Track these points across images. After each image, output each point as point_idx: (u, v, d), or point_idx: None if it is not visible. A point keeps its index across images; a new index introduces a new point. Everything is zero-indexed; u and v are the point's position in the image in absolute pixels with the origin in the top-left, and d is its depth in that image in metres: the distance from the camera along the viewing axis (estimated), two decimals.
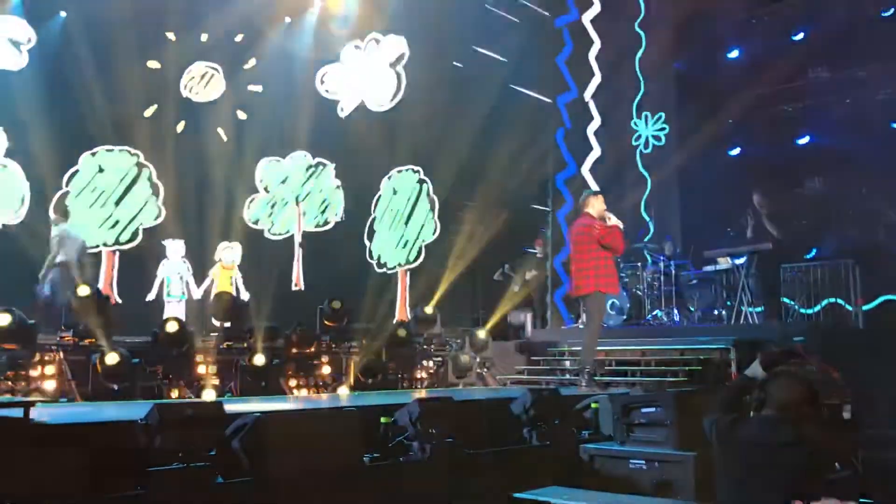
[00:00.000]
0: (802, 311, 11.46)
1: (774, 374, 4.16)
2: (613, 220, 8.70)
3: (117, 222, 11.72)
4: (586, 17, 14.92)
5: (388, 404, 6.21)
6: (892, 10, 13.45)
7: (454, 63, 14.02)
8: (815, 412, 3.81)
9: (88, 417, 5.68)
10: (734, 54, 15.31)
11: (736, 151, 15.29)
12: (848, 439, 4.11)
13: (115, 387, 7.96)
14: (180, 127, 12.28)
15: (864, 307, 11.31)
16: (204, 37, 12.51)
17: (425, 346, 10.86)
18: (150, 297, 11.65)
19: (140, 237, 11.84)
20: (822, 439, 3.68)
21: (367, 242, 13.99)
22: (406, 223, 14.36)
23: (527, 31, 14.58)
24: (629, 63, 15.50)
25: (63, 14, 11.39)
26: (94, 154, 11.62)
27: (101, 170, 11.68)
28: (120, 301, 11.33)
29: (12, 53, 10.91)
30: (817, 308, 11.36)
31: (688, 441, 5.87)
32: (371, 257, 13.98)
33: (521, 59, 14.44)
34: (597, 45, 14.97)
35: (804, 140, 14.45)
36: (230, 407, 5.36)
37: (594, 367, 9.15)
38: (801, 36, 14.45)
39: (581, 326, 12.56)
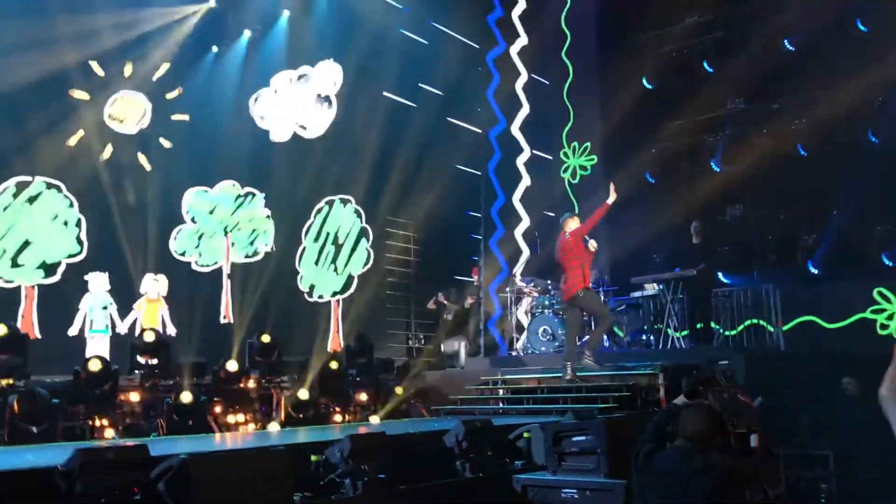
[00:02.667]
0: (726, 333, 11.82)
1: (686, 405, 4.34)
2: (591, 242, 9.61)
3: (37, 256, 11.33)
4: (513, 49, 15.20)
5: (318, 441, 6.14)
6: (802, 45, 14.10)
7: (385, 94, 14.09)
8: (724, 441, 3.98)
9: (4, 465, 5.43)
10: (656, 86, 15.78)
11: (659, 180, 15.71)
12: (758, 466, 4.27)
13: (35, 429, 7.64)
14: (104, 157, 12.00)
15: (784, 328, 11.74)
16: (129, 65, 12.31)
17: (358, 378, 10.76)
18: (73, 331, 11.28)
19: (61, 271, 11.47)
20: (732, 467, 3.83)
21: (298, 272, 13.85)
22: (338, 252, 14.29)
23: (459, 64, 14.77)
24: (557, 94, 15.85)
25: None
26: (12, 185, 11.24)
27: (20, 201, 11.30)
28: (40, 337, 10.92)
29: None
30: (740, 328, 11.75)
31: (618, 469, 5.94)
32: (302, 288, 13.84)
33: (453, 91, 14.63)
34: (524, 76, 15.26)
35: (723, 169, 14.95)
36: (156, 448, 5.21)
37: (596, 357, 9.81)
38: (718, 69, 15.01)
39: (514, 354, 12.71)
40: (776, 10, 14.08)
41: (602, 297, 12.51)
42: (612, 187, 9.71)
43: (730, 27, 14.91)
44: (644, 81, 15.80)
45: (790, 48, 14.32)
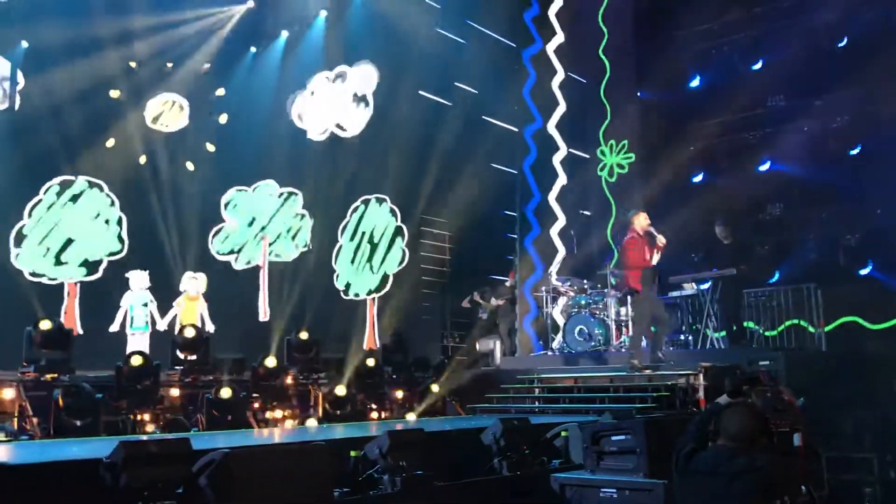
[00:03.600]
0: (766, 334, 11.63)
1: (728, 404, 4.27)
2: (659, 238, 10.07)
3: (80, 253, 11.54)
4: (550, 47, 15.11)
5: (357, 437, 6.16)
6: (845, 41, 13.83)
7: (421, 93, 14.11)
8: (767, 441, 3.89)
9: (50, 456, 5.54)
10: (695, 83, 15.59)
11: (699, 178, 15.53)
12: (801, 466, 4.18)
13: (78, 423, 7.78)
14: (144, 157, 12.18)
15: (826, 328, 11.52)
16: (169, 67, 12.48)
17: (394, 376, 10.79)
18: (114, 328, 11.47)
19: (103, 268, 11.66)
20: (776, 468, 3.76)
21: (335, 271, 13.92)
22: (374, 251, 14.34)
23: (494, 63, 14.74)
24: (594, 92, 15.71)
25: (25, 44, 11.26)
26: (56, 184, 11.46)
27: (63, 200, 11.51)
28: (82, 333, 11.12)
29: None
30: (780, 329, 11.55)
31: (658, 469, 5.88)
32: (339, 286, 13.91)
33: (488, 89, 14.59)
34: (560, 74, 15.16)
35: (764, 167, 14.72)
36: (197, 443, 5.27)
37: (640, 361, 9.96)
38: (759, 65, 14.78)
39: (549, 353, 12.66)
40: (818, 5, 13.82)
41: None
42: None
43: (770, 23, 14.66)
44: (683, 78, 15.61)
45: (832, 44, 14.03)
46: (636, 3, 15.63)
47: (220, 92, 12.97)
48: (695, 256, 12.79)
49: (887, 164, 12.65)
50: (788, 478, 4.07)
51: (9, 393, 7.90)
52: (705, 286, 11.64)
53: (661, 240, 10.04)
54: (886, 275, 12.86)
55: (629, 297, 10.72)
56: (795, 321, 11.51)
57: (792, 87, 14.38)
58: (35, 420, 7.80)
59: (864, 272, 13.28)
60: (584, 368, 10.88)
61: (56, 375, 8.19)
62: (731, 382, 4.80)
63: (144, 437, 7.43)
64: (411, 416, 10.15)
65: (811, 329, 11.44)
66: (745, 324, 11.41)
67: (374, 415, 10.21)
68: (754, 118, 14.92)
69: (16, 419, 7.77)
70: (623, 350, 11.55)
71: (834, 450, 8.61)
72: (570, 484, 6.43)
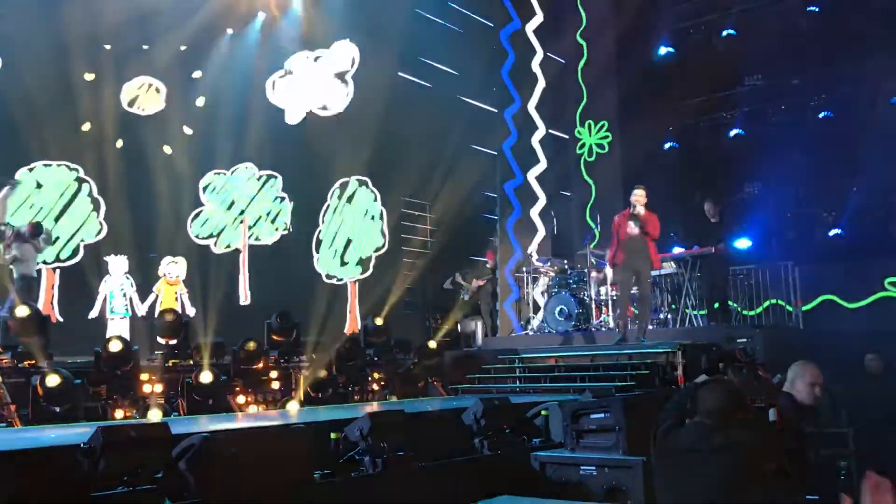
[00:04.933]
0: (745, 312, 11.74)
1: (704, 381, 4.30)
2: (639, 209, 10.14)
3: (57, 239, 11.41)
4: (529, 27, 15.07)
5: (338, 419, 6.17)
6: (820, 19, 13.88)
7: (400, 74, 14.03)
8: (743, 417, 3.93)
9: (28, 443, 5.51)
10: (673, 62, 15.62)
11: (676, 156, 15.60)
12: (778, 441, 4.22)
13: (57, 409, 7.73)
14: (121, 141, 12.04)
15: (804, 307, 11.65)
16: (145, 49, 12.32)
17: (376, 358, 10.79)
18: (93, 314, 11.40)
19: (81, 253, 11.56)
20: (752, 443, 3.79)
21: (315, 254, 13.88)
22: (355, 234, 14.30)
23: (473, 43, 14.67)
24: (572, 72, 15.71)
25: None
26: (31, 169, 11.32)
27: (38, 185, 11.37)
28: (61, 319, 11.04)
29: None
30: (759, 310, 11.66)
31: (637, 446, 5.93)
32: (319, 269, 13.87)
33: (467, 70, 14.54)
34: (539, 54, 15.14)
35: (742, 146, 14.81)
36: (177, 427, 5.26)
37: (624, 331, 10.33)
38: (736, 45, 14.83)
39: (530, 333, 12.72)
40: None
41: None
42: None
43: (748, 2, 14.71)
44: (661, 57, 15.65)
45: (810, 24, 14.10)
46: None
47: (197, 74, 12.83)
48: (673, 235, 12.87)
49: (864, 143, 12.78)
50: (765, 452, 4.12)
51: None
52: (677, 267, 11.75)
53: (638, 210, 10.07)
54: (862, 252, 13.02)
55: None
56: (774, 301, 11.65)
57: (769, 66, 14.47)
58: (13, 407, 7.73)
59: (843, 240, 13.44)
60: (564, 348, 10.95)
61: (34, 362, 8.11)
62: (707, 359, 4.85)
63: (123, 422, 7.39)
64: (393, 398, 10.17)
65: (789, 308, 11.58)
66: (729, 302, 11.50)
67: (356, 397, 10.21)
68: (732, 97, 15.02)
69: None
70: (603, 329, 11.63)
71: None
72: (550, 462, 6.48)
